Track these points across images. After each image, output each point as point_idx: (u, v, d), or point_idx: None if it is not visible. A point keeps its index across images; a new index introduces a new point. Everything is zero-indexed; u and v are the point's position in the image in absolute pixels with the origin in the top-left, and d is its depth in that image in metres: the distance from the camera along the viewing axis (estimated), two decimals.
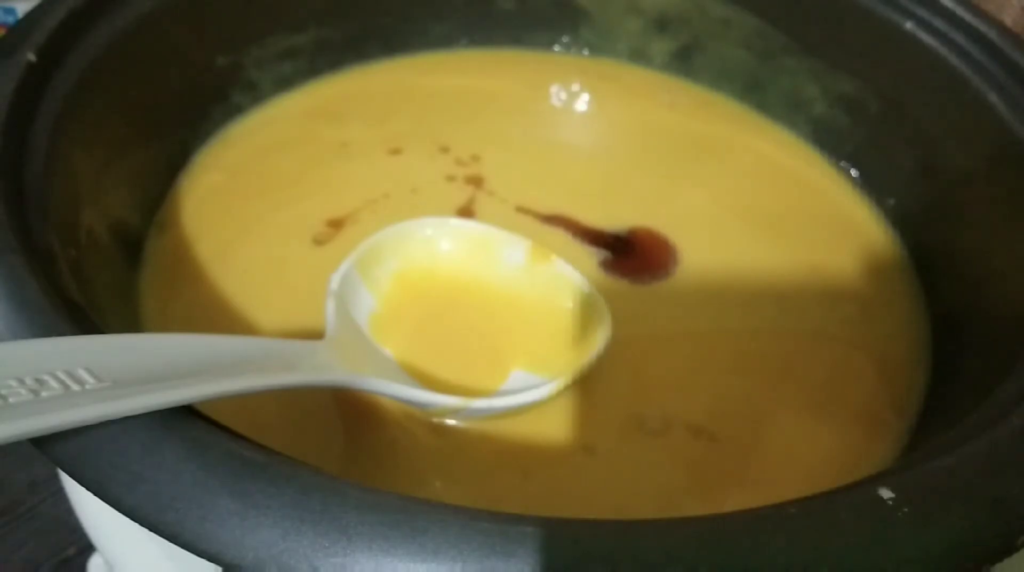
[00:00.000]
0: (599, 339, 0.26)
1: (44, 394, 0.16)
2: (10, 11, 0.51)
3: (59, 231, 0.24)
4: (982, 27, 0.32)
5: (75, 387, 0.16)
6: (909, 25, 0.34)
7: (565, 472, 0.25)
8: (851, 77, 0.36)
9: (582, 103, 0.40)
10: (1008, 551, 0.17)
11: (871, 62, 0.36)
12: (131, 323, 0.27)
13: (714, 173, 0.36)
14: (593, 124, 0.40)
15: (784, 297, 0.31)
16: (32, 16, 0.27)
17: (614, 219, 0.33)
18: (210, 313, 0.28)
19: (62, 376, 0.16)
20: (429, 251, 0.28)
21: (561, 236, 0.32)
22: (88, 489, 0.16)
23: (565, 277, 0.28)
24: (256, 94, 0.37)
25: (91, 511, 0.28)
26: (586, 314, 0.27)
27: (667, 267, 0.31)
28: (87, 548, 0.38)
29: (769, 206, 0.35)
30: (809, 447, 0.26)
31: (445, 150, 0.36)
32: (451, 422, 0.25)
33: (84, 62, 0.28)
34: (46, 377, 0.16)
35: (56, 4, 0.27)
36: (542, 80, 0.41)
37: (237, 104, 0.36)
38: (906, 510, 0.16)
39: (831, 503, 0.17)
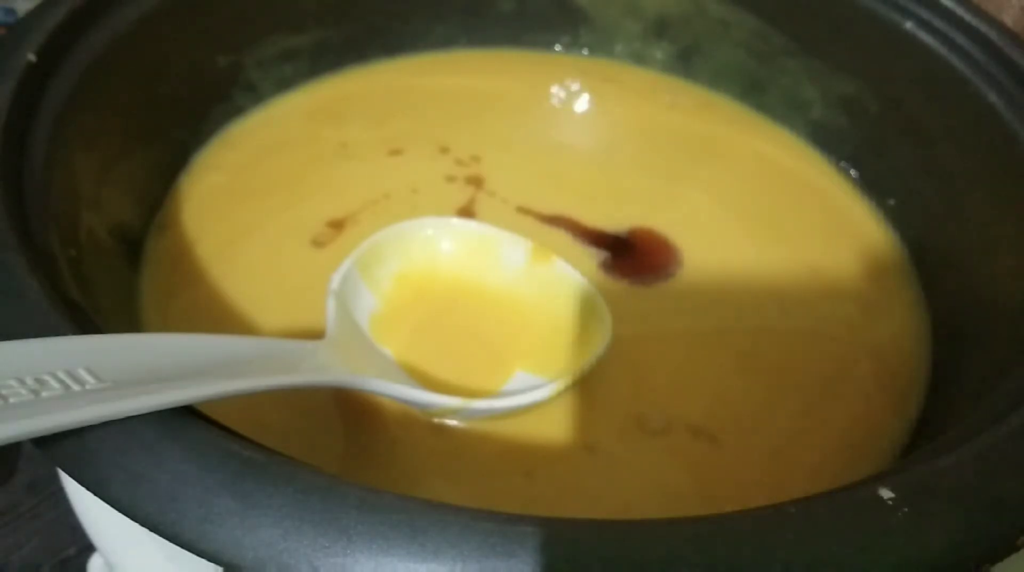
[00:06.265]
0: (600, 340, 0.26)
1: (44, 394, 0.16)
2: (10, 11, 0.51)
3: (59, 231, 0.24)
4: (982, 27, 0.32)
5: (75, 387, 0.16)
6: (909, 25, 0.34)
7: (566, 472, 0.25)
8: (851, 77, 0.36)
9: (582, 103, 0.40)
10: (1008, 551, 0.17)
11: (871, 62, 0.36)
12: (131, 323, 0.27)
13: (714, 174, 0.36)
14: (593, 125, 0.40)
15: (784, 297, 0.31)
16: (32, 16, 0.27)
17: (615, 220, 0.33)
18: (210, 313, 0.28)
19: (62, 376, 0.16)
20: (430, 251, 0.28)
21: (562, 237, 0.32)
22: (88, 489, 0.16)
23: (566, 278, 0.28)
24: (256, 94, 0.37)
25: (91, 511, 0.28)
26: (587, 315, 0.27)
27: (668, 268, 0.31)
28: (87, 548, 0.38)
29: (769, 207, 0.35)
30: (809, 447, 0.26)
31: (445, 150, 0.36)
32: (451, 422, 0.25)
33: (84, 62, 0.28)
34: (46, 377, 0.16)
35: (56, 4, 0.27)
36: (542, 80, 0.41)
37: (237, 104, 0.36)
38: (906, 510, 0.16)
39: (831, 503, 0.17)
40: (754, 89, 0.39)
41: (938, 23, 0.33)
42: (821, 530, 0.16)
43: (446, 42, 0.41)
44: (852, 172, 0.37)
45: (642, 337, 0.28)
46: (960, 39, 0.32)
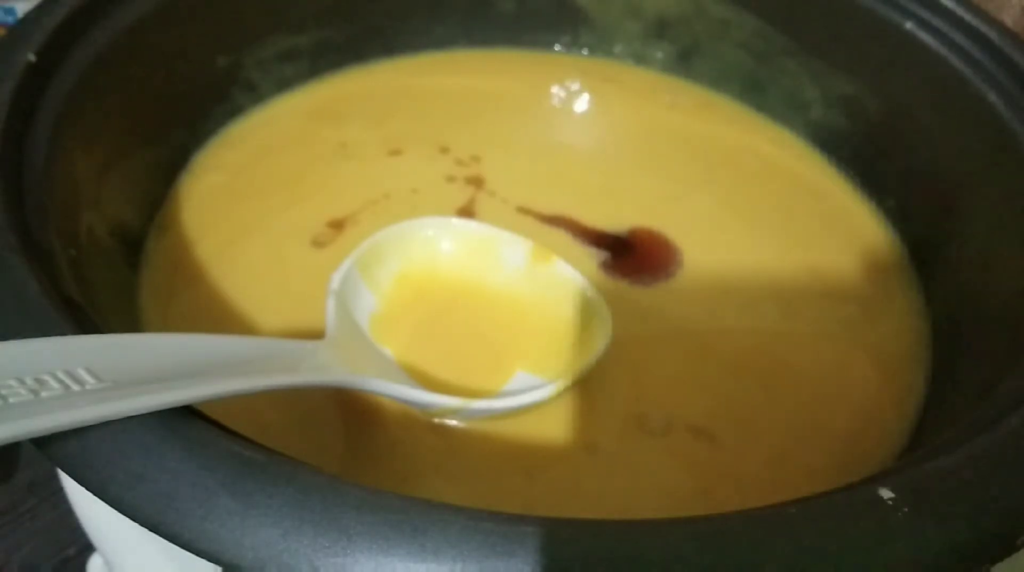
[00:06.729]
0: (600, 340, 0.26)
1: (44, 394, 0.16)
2: (10, 11, 0.51)
3: (59, 231, 0.24)
4: (982, 27, 0.32)
5: (75, 387, 0.16)
6: (909, 25, 0.34)
7: (566, 472, 0.25)
8: (851, 78, 0.36)
9: (582, 103, 0.40)
10: (1008, 551, 0.17)
11: (871, 62, 0.36)
12: (131, 323, 0.27)
13: (715, 174, 0.36)
14: (593, 125, 0.40)
15: (784, 297, 0.31)
16: (32, 16, 0.27)
17: (615, 220, 0.33)
18: (210, 313, 0.28)
19: (62, 376, 0.16)
20: (430, 251, 0.28)
21: (562, 237, 0.32)
22: (88, 489, 0.16)
23: (566, 278, 0.28)
24: (256, 94, 0.37)
25: (91, 511, 0.28)
26: (587, 315, 0.27)
27: (668, 268, 0.31)
28: (87, 548, 0.38)
29: (769, 207, 0.35)
30: (809, 447, 0.26)
31: (445, 150, 0.36)
32: (451, 422, 0.25)
33: (84, 62, 0.28)
34: (46, 377, 0.16)
35: (56, 4, 0.27)
36: (542, 80, 0.41)
37: (237, 104, 0.36)
38: (906, 510, 0.16)
39: (831, 503, 0.17)
40: (754, 89, 0.39)
41: (938, 23, 0.33)
42: (821, 530, 0.16)
43: (446, 42, 0.41)
44: (852, 172, 0.37)
45: (642, 337, 0.28)
46: (960, 39, 0.32)
